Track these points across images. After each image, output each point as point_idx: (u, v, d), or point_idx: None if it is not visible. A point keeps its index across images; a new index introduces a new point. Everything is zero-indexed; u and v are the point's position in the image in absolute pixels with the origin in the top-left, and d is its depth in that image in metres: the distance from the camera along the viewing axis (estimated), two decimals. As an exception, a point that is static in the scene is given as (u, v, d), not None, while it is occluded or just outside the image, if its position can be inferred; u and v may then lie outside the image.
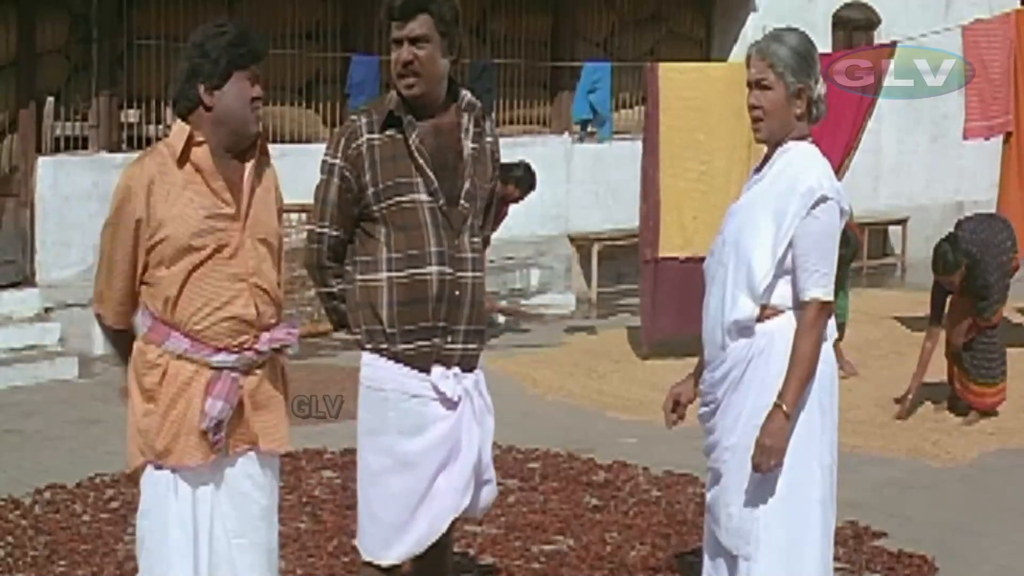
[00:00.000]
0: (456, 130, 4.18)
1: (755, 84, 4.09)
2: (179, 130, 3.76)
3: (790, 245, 4.02)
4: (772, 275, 4.02)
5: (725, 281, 4.10)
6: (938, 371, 8.55)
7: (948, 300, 8.30)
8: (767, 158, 4.19)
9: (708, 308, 4.20)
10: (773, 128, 4.10)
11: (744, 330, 4.06)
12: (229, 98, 3.72)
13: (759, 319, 4.06)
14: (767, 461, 3.98)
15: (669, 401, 4.37)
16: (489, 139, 4.29)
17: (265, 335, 3.80)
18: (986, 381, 8.30)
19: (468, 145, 4.18)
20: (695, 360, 4.41)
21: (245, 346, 3.77)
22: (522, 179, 10.31)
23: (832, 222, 4.05)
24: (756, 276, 4.02)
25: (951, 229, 8.50)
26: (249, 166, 3.82)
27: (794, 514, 4.10)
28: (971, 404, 8.37)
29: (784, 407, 3.98)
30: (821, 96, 4.12)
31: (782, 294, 4.07)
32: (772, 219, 4.03)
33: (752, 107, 4.11)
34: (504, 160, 10.84)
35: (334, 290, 4.25)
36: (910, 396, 8.44)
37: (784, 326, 4.06)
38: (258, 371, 3.82)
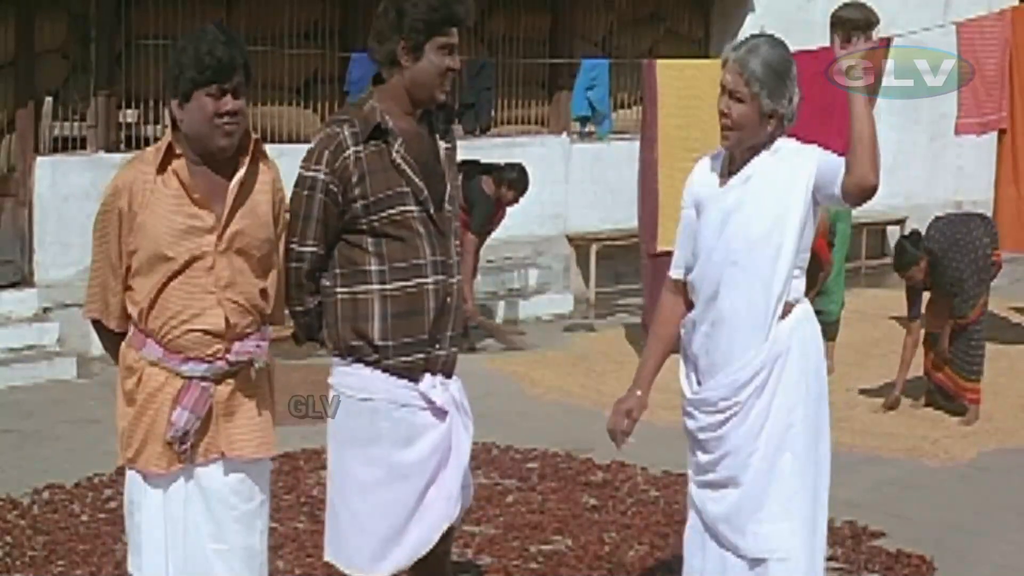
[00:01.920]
0: (430, 132, 4.14)
1: (728, 93, 4.06)
2: (164, 138, 3.78)
3: (802, 235, 4.08)
4: (794, 264, 4.04)
5: (747, 281, 4.05)
6: (916, 366, 8.62)
7: (926, 296, 8.39)
8: (736, 156, 4.14)
9: (720, 314, 4.10)
10: (742, 139, 4.08)
11: (776, 324, 4.05)
12: (191, 115, 3.69)
13: (780, 317, 4.07)
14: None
15: (619, 418, 4.27)
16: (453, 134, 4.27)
17: (237, 345, 3.77)
18: (965, 376, 8.33)
19: (442, 146, 4.16)
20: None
21: (216, 356, 3.75)
22: (516, 181, 10.30)
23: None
24: (787, 268, 4.04)
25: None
26: (238, 176, 3.77)
27: (813, 507, 4.15)
28: (958, 397, 8.43)
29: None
30: (794, 109, 4.10)
31: (796, 287, 4.10)
32: (785, 209, 4.03)
33: (722, 113, 4.07)
34: (498, 161, 10.89)
35: (310, 307, 4.12)
36: (896, 392, 8.57)
37: (802, 320, 4.10)
38: (230, 380, 3.80)
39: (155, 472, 3.75)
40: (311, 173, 3.99)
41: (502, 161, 10.61)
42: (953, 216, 8.74)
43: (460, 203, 10.30)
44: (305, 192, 3.99)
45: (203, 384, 3.75)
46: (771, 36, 4.23)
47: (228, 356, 3.76)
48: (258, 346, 3.82)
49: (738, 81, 4.03)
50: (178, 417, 3.71)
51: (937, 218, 8.62)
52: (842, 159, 4.00)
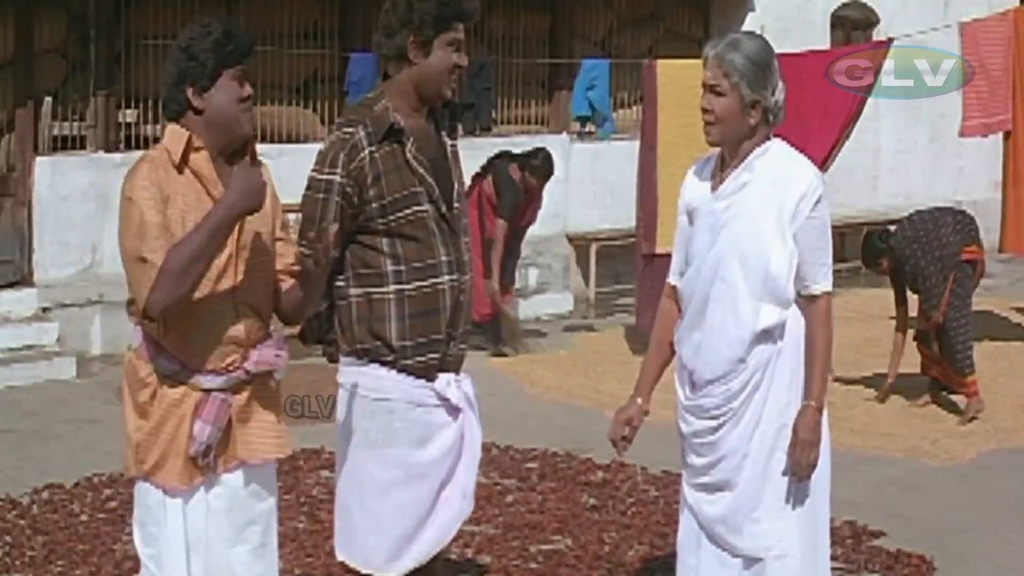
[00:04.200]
0: (436, 129, 4.12)
1: (708, 89, 4.05)
2: (176, 135, 3.65)
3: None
4: (792, 278, 4.01)
5: (736, 296, 4.03)
6: (915, 366, 8.68)
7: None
8: (727, 159, 4.12)
9: (710, 326, 4.09)
10: (725, 133, 4.05)
11: (766, 336, 4.03)
12: (218, 100, 3.62)
13: (772, 320, 4.05)
14: (807, 456, 4.00)
15: (620, 427, 4.28)
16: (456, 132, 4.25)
17: (254, 354, 3.70)
18: (956, 372, 8.36)
19: (449, 143, 4.14)
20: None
21: (233, 366, 3.68)
22: (537, 168, 10.22)
23: (828, 216, 4.09)
24: (780, 283, 3.99)
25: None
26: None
27: (813, 505, 4.13)
28: (952, 386, 8.48)
29: (814, 403, 4.03)
30: (779, 103, 4.06)
31: (788, 293, 4.06)
32: (776, 224, 3.99)
33: (705, 110, 4.06)
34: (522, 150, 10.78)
35: (321, 310, 4.07)
36: (890, 380, 8.64)
37: (793, 322, 4.07)
38: (246, 387, 3.73)
39: (177, 486, 3.69)
40: (326, 176, 3.94)
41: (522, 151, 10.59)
42: (925, 212, 8.58)
43: (489, 191, 10.34)
44: (321, 195, 3.94)
45: (222, 396, 3.69)
46: (750, 32, 4.22)
47: (246, 365, 3.69)
48: (278, 355, 3.74)
49: (717, 74, 4.02)
50: (200, 431, 3.65)
51: (910, 214, 8.57)
52: (814, 263, 4.03)
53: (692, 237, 4.18)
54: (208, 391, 3.67)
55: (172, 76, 3.66)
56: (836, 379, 8.90)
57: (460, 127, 4.22)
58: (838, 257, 9.29)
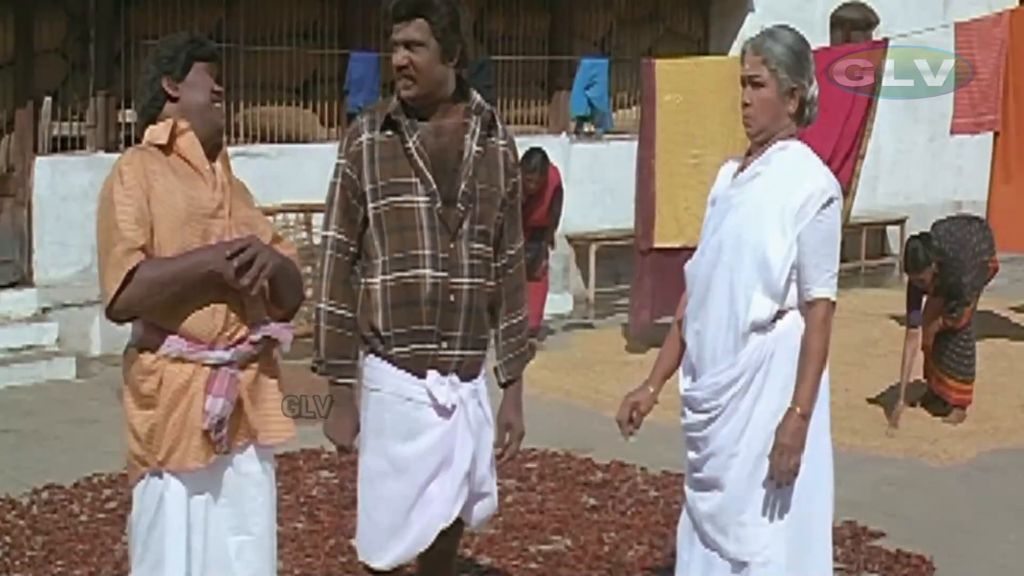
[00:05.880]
0: (461, 131, 4.10)
1: (748, 80, 4.06)
2: (161, 126, 3.77)
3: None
4: (788, 273, 4.00)
5: (732, 282, 4.03)
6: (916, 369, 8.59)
7: (924, 299, 8.31)
8: (750, 153, 4.14)
9: (707, 314, 4.10)
10: (764, 123, 4.06)
11: (760, 329, 4.02)
12: (192, 87, 3.80)
13: (770, 322, 4.03)
14: (787, 462, 3.94)
15: (626, 410, 4.28)
16: (502, 142, 4.18)
17: (262, 327, 3.77)
18: (959, 377, 8.33)
19: (472, 147, 4.09)
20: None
21: (238, 340, 3.74)
22: (524, 163, 9.98)
23: (837, 222, 4.07)
24: (773, 274, 3.98)
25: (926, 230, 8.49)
26: (219, 166, 3.84)
27: (807, 511, 4.09)
28: (944, 397, 8.42)
29: (799, 409, 3.96)
30: (814, 98, 4.09)
31: (791, 293, 4.05)
32: (779, 217, 4.00)
33: (745, 104, 4.07)
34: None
35: (333, 310, 4.08)
36: (901, 402, 8.34)
37: (791, 327, 4.04)
38: (253, 364, 3.79)
39: (193, 466, 3.72)
40: (336, 161, 4.12)
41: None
42: (956, 219, 8.65)
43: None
44: (332, 180, 4.12)
45: (230, 371, 3.73)
46: (784, 24, 4.24)
47: (252, 337, 3.75)
48: (284, 328, 3.82)
49: (755, 63, 4.04)
50: (212, 405, 3.69)
51: (940, 221, 8.55)
52: (815, 268, 4.00)
53: (707, 221, 4.22)
54: (216, 366, 3.71)
55: (148, 75, 3.85)
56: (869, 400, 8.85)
57: (492, 133, 4.15)
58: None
